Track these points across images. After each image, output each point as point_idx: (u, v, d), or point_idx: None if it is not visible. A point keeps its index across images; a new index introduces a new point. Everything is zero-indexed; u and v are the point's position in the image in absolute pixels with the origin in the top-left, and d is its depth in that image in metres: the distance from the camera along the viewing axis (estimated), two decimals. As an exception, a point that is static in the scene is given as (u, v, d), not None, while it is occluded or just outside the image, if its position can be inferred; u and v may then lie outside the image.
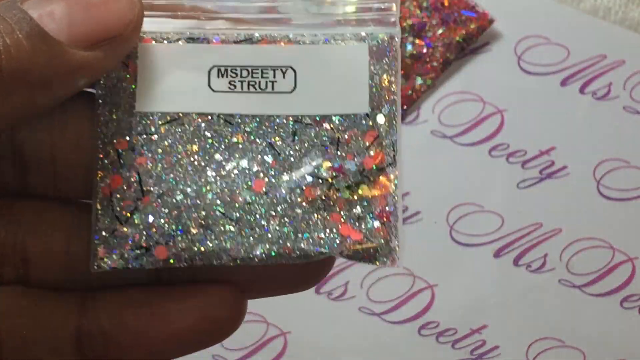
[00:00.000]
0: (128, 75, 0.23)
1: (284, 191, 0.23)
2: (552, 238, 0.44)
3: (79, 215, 0.23)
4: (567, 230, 0.44)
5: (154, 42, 0.23)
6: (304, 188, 0.23)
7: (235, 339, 0.42)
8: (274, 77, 0.23)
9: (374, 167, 0.23)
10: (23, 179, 0.23)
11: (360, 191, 0.23)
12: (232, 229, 0.22)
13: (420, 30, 0.46)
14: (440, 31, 0.46)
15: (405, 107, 0.45)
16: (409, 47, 0.46)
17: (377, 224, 0.23)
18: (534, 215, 0.44)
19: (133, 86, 0.23)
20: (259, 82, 0.23)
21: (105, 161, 0.23)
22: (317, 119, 0.23)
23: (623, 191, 0.44)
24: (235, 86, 0.23)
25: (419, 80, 0.45)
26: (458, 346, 0.43)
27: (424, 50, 0.46)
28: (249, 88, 0.23)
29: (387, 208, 0.23)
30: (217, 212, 0.22)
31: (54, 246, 0.23)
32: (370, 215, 0.23)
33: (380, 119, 0.23)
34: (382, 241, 0.23)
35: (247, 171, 0.23)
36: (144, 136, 0.23)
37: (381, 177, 0.23)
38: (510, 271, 0.43)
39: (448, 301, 0.43)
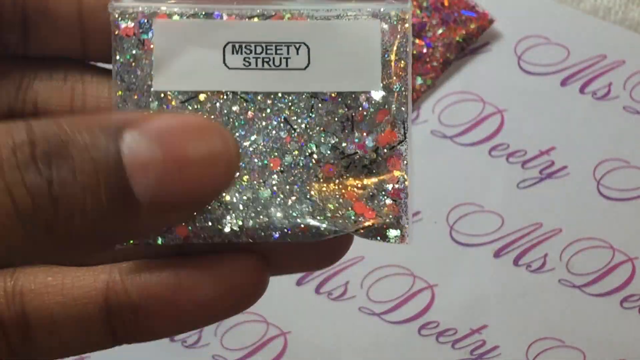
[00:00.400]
0: (144, 52, 0.23)
1: (301, 169, 0.23)
2: (552, 238, 0.44)
3: None
4: (567, 230, 0.44)
5: (169, 18, 0.23)
6: (322, 166, 0.23)
7: (235, 339, 0.43)
8: (288, 53, 0.23)
9: (387, 146, 0.23)
10: None
11: (374, 169, 0.23)
12: (250, 207, 0.23)
13: (420, 30, 0.46)
14: (440, 31, 0.46)
15: (405, 107, 0.45)
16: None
17: (389, 201, 0.23)
18: (534, 215, 0.44)
19: (149, 64, 0.23)
20: (273, 58, 0.23)
21: None
22: (332, 94, 0.23)
23: (623, 191, 0.44)
24: (249, 63, 0.23)
25: (419, 80, 0.45)
26: (458, 346, 0.43)
27: (424, 50, 0.46)
28: (263, 65, 0.23)
29: (398, 186, 0.23)
30: (236, 191, 0.23)
31: None
32: (383, 193, 0.23)
33: (392, 97, 0.23)
34: (394, 219, 0.23)
35: (263, 148, 0.23)
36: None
37: (393, 155, 0.23)
38: (510, 271, 0.43)
39: (448, 301, 0.43)
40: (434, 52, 0.46)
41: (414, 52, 0.46)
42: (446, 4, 0.46)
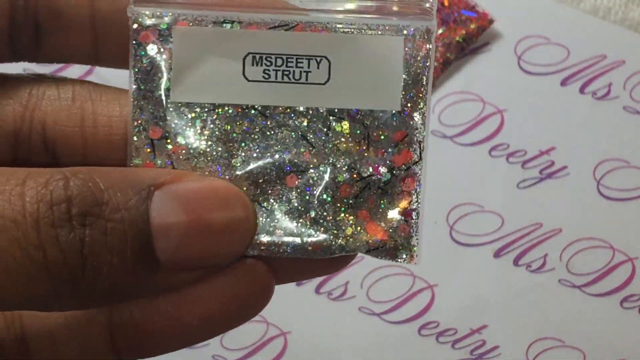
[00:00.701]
0: (162, 60, 0.22)
1: (317, 187, 0.23)
2: (552, 238, 0.44)
3: None
4: (567, 230, 0.44)
5: (189, 26, 0.22)
6: (340, 185, 0.23)
7: (235, 339, 0.43)
8: (309, 67, 0.23)
9: (402, 166, 0.23)
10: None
11: (388, 189, 0.23)
12: (265, 221, 0.22)
13: (420, 30, 0.46)
14: (440, 31, 0.46)
15: (405, 107, 0.45)
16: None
17: (401, 221, 0.23)
18: (534, 215, 0.44)
19: (167, 72, 0.22)
20: (294, 71, 0.23)
21: (139, 150, 0.22)
22: (350, 112, 0.23)
23: (623, 191, 0.44)
24: (269, 75, 0.23)
25: (419, 80, 0.45)
26: (458, 346, 0.43)
27: (424, 50, 0.46)
28: (283, 78, 0.23)
29: (411, 206, 0.23)
30: (256, 205, 0.22)
31: None
32: (396, 213, 0.23)
33: (411, 117, 0.23)
34: (404, 239, 0.23)
35: (281, 163, 0.23)
36: (179, 126, 0.22)
37: (407, 176, 0.23)
38: (510, 271, 0.43)
39: (448, 301, 0.43)
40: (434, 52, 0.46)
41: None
42: (446, 4, 0.46)
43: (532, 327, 0.43)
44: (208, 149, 0.23)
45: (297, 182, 0.23)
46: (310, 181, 0.23)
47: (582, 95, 0.46)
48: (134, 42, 0.22)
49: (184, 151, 0.22)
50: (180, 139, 0.22)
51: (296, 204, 0.23)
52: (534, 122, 0.45)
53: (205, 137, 0.23)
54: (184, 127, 0.23)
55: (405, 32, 0.23)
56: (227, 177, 0.22)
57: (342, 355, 0.43)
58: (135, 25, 0.22)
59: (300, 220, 0.22)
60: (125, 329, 0.22)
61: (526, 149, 0.45)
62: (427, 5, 0.23)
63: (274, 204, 0.22)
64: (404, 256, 0.23)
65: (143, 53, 0.22)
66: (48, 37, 0.23)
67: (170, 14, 0.22)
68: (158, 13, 0.22)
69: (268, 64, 0.23)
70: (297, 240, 0.22)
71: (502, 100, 0.45)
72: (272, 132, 0.23)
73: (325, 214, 0.23)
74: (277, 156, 0.23)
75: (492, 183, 0.44)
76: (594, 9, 0.47)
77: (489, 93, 0.45)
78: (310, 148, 0.23)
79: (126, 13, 0.22)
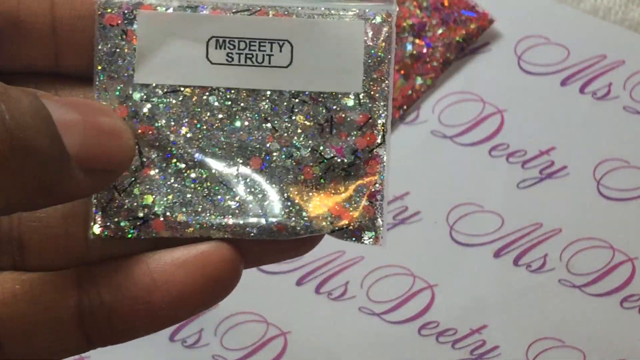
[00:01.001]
0: (127, 43, 0.23)
1: (281, 169, 0.23)
2: (552, 238, 0.44)
3: None
4: (567, 230, 0.44)
5: (153, 10, 0.23)
6: (303, 167, 0.23)
7: (235, 339, 0.43)
8: (271, 50, 0.23)
9: (366, 148, 0.23)
10: None
11: (352, 171, 0.23)
12: (231, 203, 0.23)
13: (420, 30, 0.46)
14: (440, 31, 0.46)
15: (405, 107, 0.45)
16: (409, 47, 0.46)
17: (365, 203, 0.23)
18: (534, 215, 0.44)
19: (132, 55, 0.23)
20: (256, 55, 0.23)
21: None
22: (313, 95, 0.23)
23: (623, 191, 0.44)
24: (232, 59, 0.23)
25: (419, 80, 0.45)
26: (458, 346, 0.43)
27: (424, 50, 0.46)
28: (246, 61, 0.23)
29: (375, 188, 0.23)
30: (216, 186, 0.23)
31: (51, 230, 0.23)
32: (360, 194, 0.23)
33: (373, 100, 0.23)
34: (369, 220, 0.23)
35: (244, 146, 0.23)
36: (144, 106, 0.23)
37: (371, 158, 0.23)
38: (510, 271, 0.43)
39: (448, 301, 0.43)
40: (434, 52, 0.46)
41: (414, 52, 0.46)
42: (446, 4, 0.46)
43: (532, 327, 0.43)
44: (174, 130, 0.23)
45: (261, 164, 0.23)
46: (274, 164, 0.23)
47: (582, 95, 0.46)
48: (100, 24, 0.23)
49: (150, 132, 0.23)
50: (147, 119, 0.23)
51: (261, 186, 0.23)
52: (534, 122, 0.45)
53: (173, 119, 0.23)
54: (151, 108, 0.23)
55: (366, 16, 0.23)
56: (195, 159, 0.23)
57: (342, 355, 0.43)
58: (101, 9, 0.23)
59: (265, 201, 0.23)
60: (95, 313, 0.22)
61: (526, 149, 0.45)
62: None
63: (239, 185, 0.23)
64: (369, 237, 0.23)
65: (108, 35, 0.23)
66: (8, 45, 0.23)
67: None
68: None
69: (231, 47, 0.23)
70: (262, 221, 0.23)
71: (502, 100, 0.45)
72: (237, 116, 0.23)
73: (289, 195, 0.23)
74: (241, 139, 0.23)
75: (492, 183, 0.44)
76: (594, 9, 0.47)
77: (489, 93, 0.45)
78: (274, 131, 0.23)
79: (88, 20, 0.23)
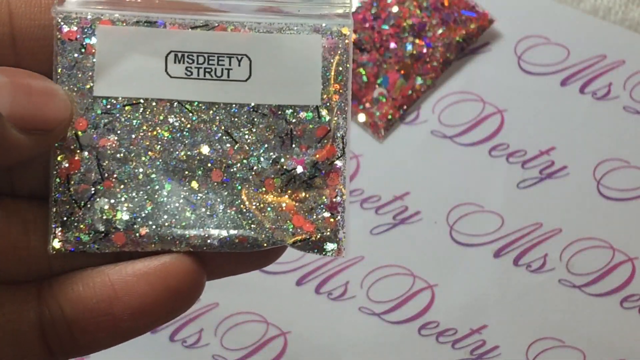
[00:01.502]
0: (86, 57, 0.23)
1: (242, 181, 0.23)
2: (552, 238, 0.44)
3: (38, 207, 0.23)
4: (567, 230, 0.44)
5: (112, 25, 0.23)
6: (264, 179, 0.23)
7: (235, 339, 0.43)
8: (230, 64, 0.23)
9: (326, 160, 0.24)
10: None
11: (313, 183, 0.23)
12: (191, 216, 0.23)
13: (420, 30, 0.46)
14: (440, 31, 0.46)
15: (405, 107, 0.45)
16: (409, 47, 0.46)
17: (326, 215, 0.23)
18: (534, 215, 0.44)
19: (91, 68, 0.23)
20: (215, 69, 0.23)
21: (64, 142, 0.23)
22: (273, 108, 0.23)
23: (623, 191, 0.44)
24: (191, 72, 0.23)
25: (419, 80, 0.45)
26: (458, 346, 0.43)
27: (424, 50, 0.46)
28: (205, 75, 0.23)
29: (336, 199, 0.23)
30: (178, 199, 0.23)
31: (12, 242, 0.23)
32: (321, 206, 0.23)
33: (332, 112, 0.24)
34: (331, 232, 0.23)
35: (205, 158, 0.23)
36: (104, 118, 0.23)
37: (331, 170, 0.24)
38: (510, 271, 0.43)
39: (448, 301, 0.43)
40: (434, 52, 0.46)
41: (414, 52, 0.46)
42: (446, 4, 0.46)
43: (532, 327, 0.43)
44: (134, 143, 0.23)
45: (222, 177, 0.23)
46: (236, 176, 0.23)
47: (582, 95, 0.46)
48: (58, 39, 0.23)
49: (110, 144, 0.23)
50: (107, 132, 0.23)
51: (222, 199, 0.23)
52: (534, 122, 0.45)
53: (133, 132, 0.23)
54: (111, 120, 0.23)
55: (323, 30, 0.24)
56: (155, 172, 0.23)
57: (342, 355, 0.43)
58: (59, 24, 0.23)
59: (227, 214, 0.23)
60: (56, 325, 0.22)
61: (526, 149, 0.45)
62: (346, 9, 0.24)
63: (200, 198, 0.23)
64: (331, 249, 0.23)
65: (67, 49, 0.23)
66: None
67: (92, 14, 0.23)
68: (81, 12, 0.23)
69: (190, 61, 0.23)
70: (224, 233, 0.23)
71: (502, 100, 0.45)
72: (197, 129, 0.23)
73: (251, 207, 0.23)
74: (202, 151, 0.23)
75: (492, 183, 0.44)
76: (594, 9, 0.47)
77: (489, 93, 0.46)
78: (234, 143, 0.23)
79: (46, 30, 0.23)
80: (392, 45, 0.46)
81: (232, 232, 0.23)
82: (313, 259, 0.43)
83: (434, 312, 0.43)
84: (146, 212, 0.23)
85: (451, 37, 0.46)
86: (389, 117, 0.45)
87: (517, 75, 0.46)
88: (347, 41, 0.24)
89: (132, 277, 0.22)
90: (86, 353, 0.23)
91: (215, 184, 0.23)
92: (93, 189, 0.23)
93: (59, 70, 0.23)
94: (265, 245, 0.23)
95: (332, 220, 0.23)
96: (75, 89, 0.23)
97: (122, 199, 0.23)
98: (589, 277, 0.43)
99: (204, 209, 0.23)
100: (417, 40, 0.46)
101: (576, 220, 0.44)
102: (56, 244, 0.22)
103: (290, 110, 0.24)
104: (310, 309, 0.43)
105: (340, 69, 0.24)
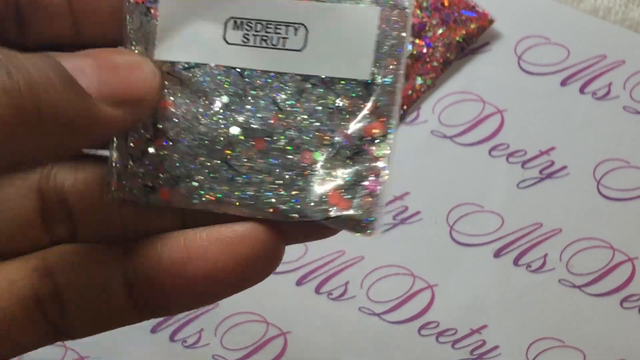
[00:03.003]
0: (150, 20, 0.24)
1: (280, 152, 0.23)
2: (552, 238, 0.44)
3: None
4: (567, 230, 0.44)
5: None
6: (302, 151, 0.23)
7: (235, 339, 0.43)
8: (286, 33, 0.23)
9: (371, 138, 0.23)
10: None
11: (356, 160, 0.23)
12: (233, 181, 0.23)
13: (420, 30, 0.46)
14: (440, 31, 0.46)
15: (405, 107, 0.45)
16: (409, 47, 0.46)
17: (364, 193, 0.23)
18: (534, 215, 0.44)
19: (154, 31, 0.24)
20: (272, 37, 0.23)
21: None
22: (324, 80, 0.23)
23: (623, 191, 0.44)
24: (248, 39, 0.23)
25: (419, 80, 0.45)
26: (458, 346, 0.43)
27: (424, 50, 0.46)
28: (261, 43, 0.23)
29: (376, 180, 0.23)
30: (224, 164, 0.23)
31: (96, 200, 0.24)
32: (360, 184, 0.23)
33: (382, 88, 0.23)
34: (366, 211, 0.23)
35: (251, 127, 0.23)
36: (164, 79, 0.24)
37: (375, 149, 0.23)
38: (510, 271, 0.43)
39: (448, 301, 0.43)
40: (434, 52, 0.46)
41: (414, 52, 0.46)
42: (446, 4, 0.46)
43: (532, 327, 0.43)
44: (191, 107, 0.24)
45: (263, 147, 0.23)
46: (275, 146, 0.23)
47: (582, 95, 0.46)
48: (127, 3, 0.24)
49: (171, 108, 0.24)
50: (165, 95, 0.24)
51: (260, 168, 0.23)
52: (534, 122, 0.45)
53: (188, 96, 0.24)
54: (168, 83, 0.24)
55: (382, 3, 0.23)
56: (206, 135, 0.23)
57: (342, 355, 0.43)
58: None
59: (261, 183, 0.23)
60: (139, 283, 0.23)
61: (526, 149, 0.45)
62: None
63: (241, 165, 0.23)
64: (364, 229, 0.23)
65: (135, 12, 0.24)
66: (29, 22, 0.24)
67: None
68: None
69: (248, 28, 0.23)
70: (259, 204, 0.23)
71: (502, 100, 0.45)
72: (248, 95, 0.23)
73: (289, 181, 0.23)
74: (250, 119, 0.23)
75: (492, 183, 0.44)
76: (594, 9, 0.47)
77: (489, 93, 0.46)
78: (280, 114, 0.23)
79: None
80: (392, 45, 0.46)
81: (263, 201, 0.23)
82: (313, 258, 0.43)
83: (434, 312, 0.43)
84: (193, 172, 0.23)
85: (451, 37, 0.46)
86: (389, 117, 0.45)
87: (517, 75, 0.46)
88: (406, 16, 0.23)
89: (205, 241, 0.23)
90: (167, 314, 0.24)
91: (257, 152, 0.23)
92: (146, 145, 0.24)
93: (129, 29, 0.24)
94: (296, 218, 0.23)
95: (369, 199, 0.23)
96: (143, 53, 0.24)
97: (172, 158, 0.23)
98: (589, 277, 0.43)
99: (245, 176, 0.23)
100: (417, 40, 0.46)
101: (576, 220, 0.44)
102: (111, 193, 0.24)
103: (342, 84, 0.23)
104: (310, 309, 0.43)
105: (396, 44, 0.23)
